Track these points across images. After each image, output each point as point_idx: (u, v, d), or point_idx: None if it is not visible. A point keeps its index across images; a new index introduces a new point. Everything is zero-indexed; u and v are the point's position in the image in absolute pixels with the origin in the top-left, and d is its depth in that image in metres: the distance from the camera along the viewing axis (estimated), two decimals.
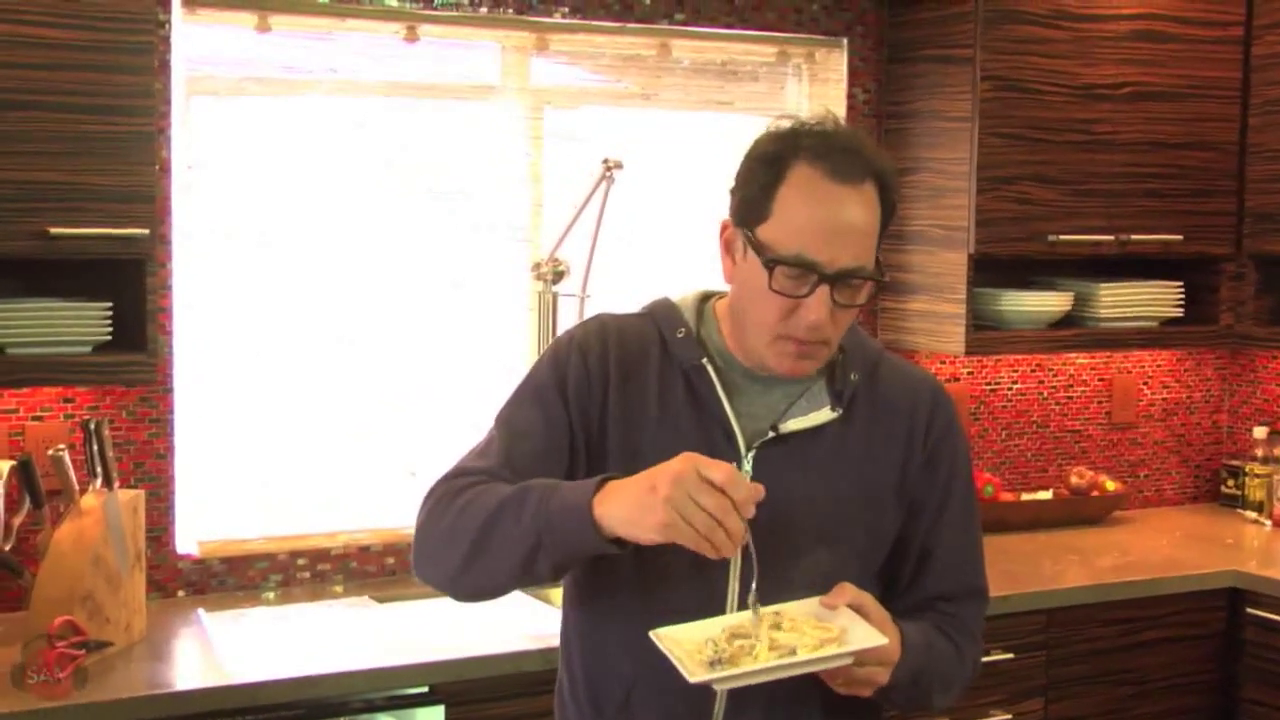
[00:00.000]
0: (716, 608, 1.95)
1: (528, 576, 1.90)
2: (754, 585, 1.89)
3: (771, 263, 1.92)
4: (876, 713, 2.12)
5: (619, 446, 2.00)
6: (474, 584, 1.97)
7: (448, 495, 1.97)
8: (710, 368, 2.02)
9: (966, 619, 2.12)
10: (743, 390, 2.03)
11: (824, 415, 2.02)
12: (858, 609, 1.89)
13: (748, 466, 1.98)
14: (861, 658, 1.86)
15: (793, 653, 1.83)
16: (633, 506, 1.79)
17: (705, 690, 1.94)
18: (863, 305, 1.98)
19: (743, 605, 1.93)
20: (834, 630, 1.87)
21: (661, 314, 2.08)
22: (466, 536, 1.91)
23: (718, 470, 1.77)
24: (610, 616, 2.02)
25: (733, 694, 1.97)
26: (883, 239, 1.99)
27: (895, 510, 2.07)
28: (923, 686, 2.01)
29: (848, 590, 1.90)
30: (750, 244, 1.95)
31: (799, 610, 1.89)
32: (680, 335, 2.04)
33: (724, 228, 2.02)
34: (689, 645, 1.85)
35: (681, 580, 1.95)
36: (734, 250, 2.00)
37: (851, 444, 2.03)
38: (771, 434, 2.00)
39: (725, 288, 2.07)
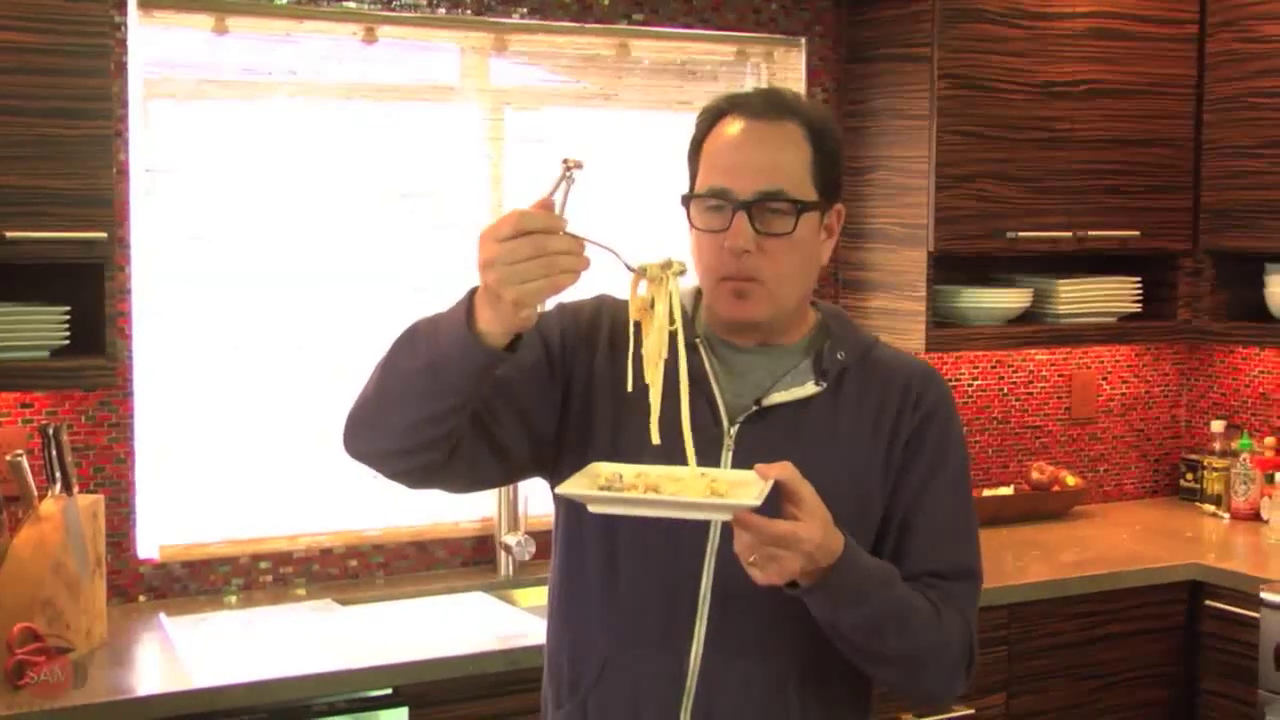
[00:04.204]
0: (692, 585, 1.98)
1: (445, 411, 1.93)
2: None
3: (687, 199, 2.01)
4: (860, 699, 2.10)
5: (605, 418, 2.03)
6: (384, 439, 1.97)
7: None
8: (702, 347, 2.04)
9: (954, 593, 2.03)
10: (731, 369, 2.05)
11: (808, 389, 2.03)
12: (793, 489, 1.81)
13: (731, 439, 1.99)
14: (775, 539, 1.78)
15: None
16: (484, 307, 1.85)
17: (678, 668, 1.98)
18: (789, 234, 1.97)
19: (717, 583, 1.96)
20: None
21: None
22: (374, 390, 2.00)
23: (504, 224, 1.80)
24: (588, 595, 2.05)
25: (705, 674, 1.98)
26: (823, 178, 2.00)
27: (882, 489, 2.04)
28: (877, 625, 1.92)
29: (786, 466, 1.83)
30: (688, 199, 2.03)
31: (727, 474, 1.89)
32: None
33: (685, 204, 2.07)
34: (602, 478, 1.88)
35: (659, 558, 1.98)
36: (690, 218, 2.05)
37: (839, 423, 2.04)
38: (755, 407, 2.01)
39: None
